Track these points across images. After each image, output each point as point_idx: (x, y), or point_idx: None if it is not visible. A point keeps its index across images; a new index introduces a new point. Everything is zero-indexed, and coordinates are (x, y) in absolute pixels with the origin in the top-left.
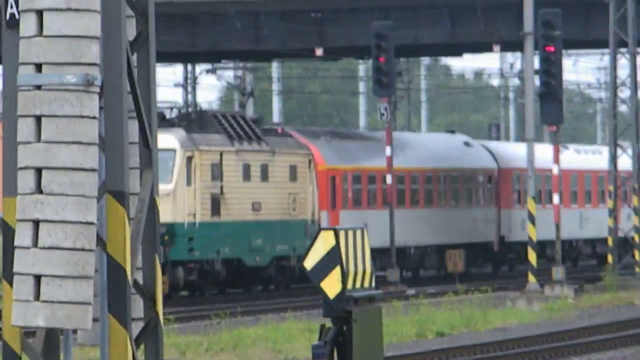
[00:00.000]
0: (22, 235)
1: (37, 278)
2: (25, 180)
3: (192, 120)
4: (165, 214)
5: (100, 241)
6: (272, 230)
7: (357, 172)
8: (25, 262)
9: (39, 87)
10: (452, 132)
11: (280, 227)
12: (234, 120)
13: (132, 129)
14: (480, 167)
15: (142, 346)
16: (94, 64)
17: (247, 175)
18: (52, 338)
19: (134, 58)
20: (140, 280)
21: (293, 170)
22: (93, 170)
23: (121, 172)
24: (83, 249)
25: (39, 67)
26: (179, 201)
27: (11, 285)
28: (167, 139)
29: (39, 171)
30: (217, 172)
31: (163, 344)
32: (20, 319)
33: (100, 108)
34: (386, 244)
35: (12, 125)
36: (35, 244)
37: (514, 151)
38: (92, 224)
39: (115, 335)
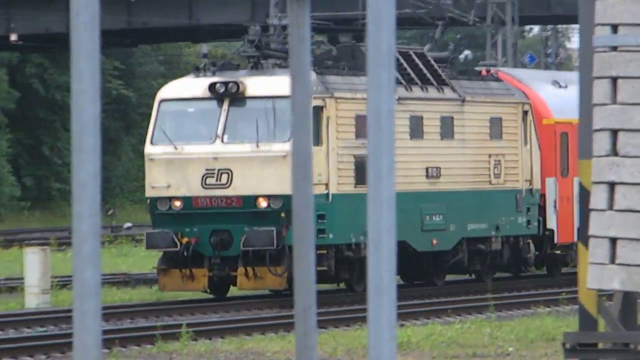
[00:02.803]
0: (598, 198)
1: (613, 241)
2: (601, 143)
3: (336, 57)
4: (277, 183)
5: None
6: (458, 203)
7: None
8: (600, 224)
9: (614, 48)
10: None
11: (472, 199)
12: (404, 59)
13: None
14: None
15: None
16: None
17: (417, 132)
18: (630, 302)
19: None
20: None
21: (496, 124)
22: None
23: None
24: None
25: (614, 28)
26: None
27: (587, 247)
28: (281, 84)
29: (614, 133)
30: (365, 128)
31: None
32: (595, 282)
33: None
34: None
35: (588, 87)
36: (610, 206)
37: None
38: None
39: None
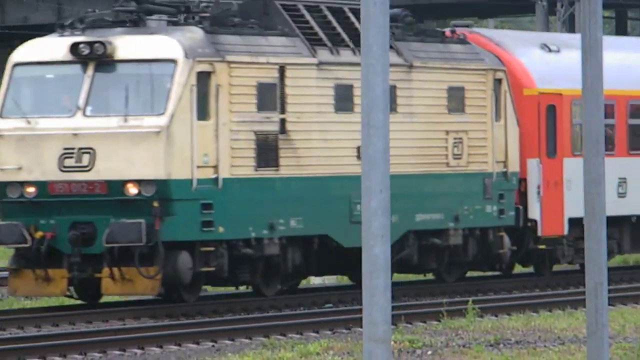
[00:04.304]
0: None
1: None
2: None
3: (243, 13)
4: (149, 166)
5: None
6: (402, 189)
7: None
8: None
9: None
10: None
11: (422, 184)
12: (335, 16)
13: None
14: None
15: None
16: None
17: (346, 104)
18: None
19: None
20: None
21: (457, 95)
22: None
23: None
24: None
25: None
26: (178, 144)
27: None
28: (158, 46)
29: None
30: (271, 99)
31: None
32: None
33: None
34: None
35: None
36: None
37: None
38: None
39: None
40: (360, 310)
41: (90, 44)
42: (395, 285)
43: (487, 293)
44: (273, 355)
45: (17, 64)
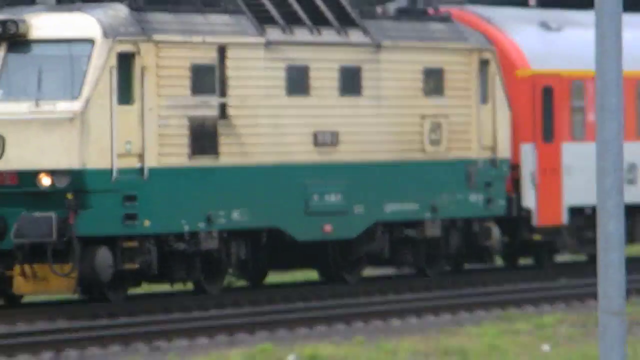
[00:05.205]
0: None
1: None
2: None
3: None
4: (63, 155)
5: None
6: (369, 178)
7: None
8: None
9: None
10: None
11: (392, 173)
12: None
13: None
14: None
15: None
16: None
17: (300, 87)
18: None
19: None
20: None
21: (435, 77)
22: None
23: None
24: None
25: None
26: (95, 131)
27: None
28: (76, 25)
29: None
30: (209, 81)
31: None
32: None
33: None
34: None
35: None
36: None
37: None
38: None
39: None
40: (593, 284)
41: (2, 22)
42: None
43: None
44: (510, 327)
45: None
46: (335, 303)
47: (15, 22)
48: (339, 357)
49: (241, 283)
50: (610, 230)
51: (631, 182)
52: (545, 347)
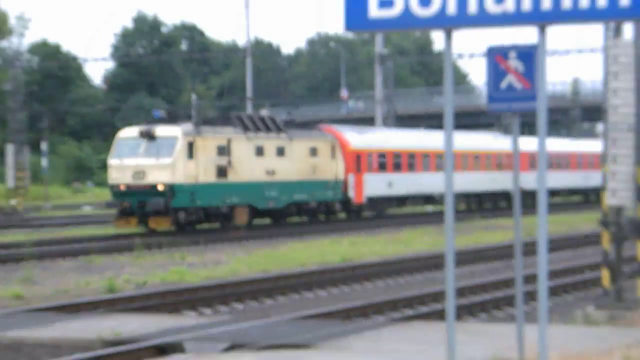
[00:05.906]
0: None
1: None
2: None
3: (214, 118)
4: (164, 178)
5: None
6: (287, 186)
7: (380, 152)
8: None
9: None
10: None
11: (298, 184)
12: (258, 119)
13: None
14: None
15: None
16: None
17: (260, 153)
18: None
19: None
20: None
21: (315, 151)
22: None
23: None
24: None
25: None
26: (178, 169)
27: None
28: (171, 130)
29: None
30: (224, 151)
31: None
32: None
33: None
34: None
35: None
36: None
37: None
38: None
39: None
40: None
41: (146, 129)
42: None
43: None
44: None
45: None
46: None
47: (149, 129)
48: None
49: None
50: None
51: None
52: None
